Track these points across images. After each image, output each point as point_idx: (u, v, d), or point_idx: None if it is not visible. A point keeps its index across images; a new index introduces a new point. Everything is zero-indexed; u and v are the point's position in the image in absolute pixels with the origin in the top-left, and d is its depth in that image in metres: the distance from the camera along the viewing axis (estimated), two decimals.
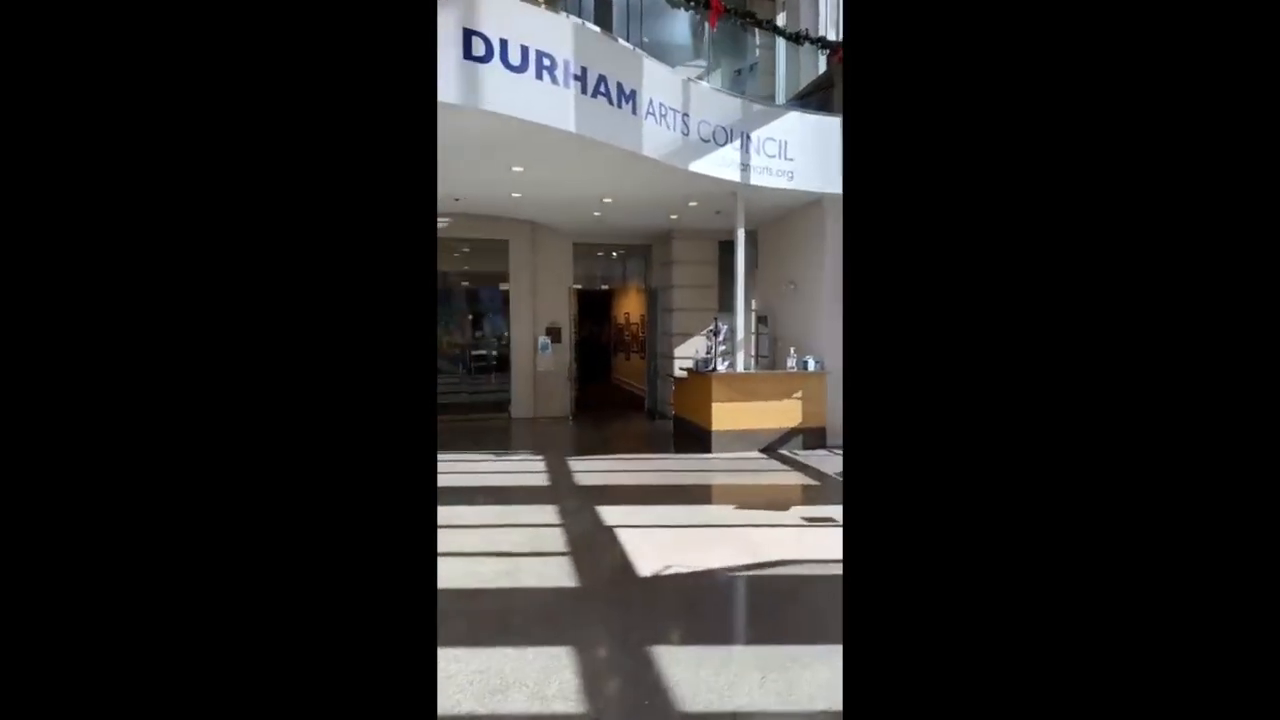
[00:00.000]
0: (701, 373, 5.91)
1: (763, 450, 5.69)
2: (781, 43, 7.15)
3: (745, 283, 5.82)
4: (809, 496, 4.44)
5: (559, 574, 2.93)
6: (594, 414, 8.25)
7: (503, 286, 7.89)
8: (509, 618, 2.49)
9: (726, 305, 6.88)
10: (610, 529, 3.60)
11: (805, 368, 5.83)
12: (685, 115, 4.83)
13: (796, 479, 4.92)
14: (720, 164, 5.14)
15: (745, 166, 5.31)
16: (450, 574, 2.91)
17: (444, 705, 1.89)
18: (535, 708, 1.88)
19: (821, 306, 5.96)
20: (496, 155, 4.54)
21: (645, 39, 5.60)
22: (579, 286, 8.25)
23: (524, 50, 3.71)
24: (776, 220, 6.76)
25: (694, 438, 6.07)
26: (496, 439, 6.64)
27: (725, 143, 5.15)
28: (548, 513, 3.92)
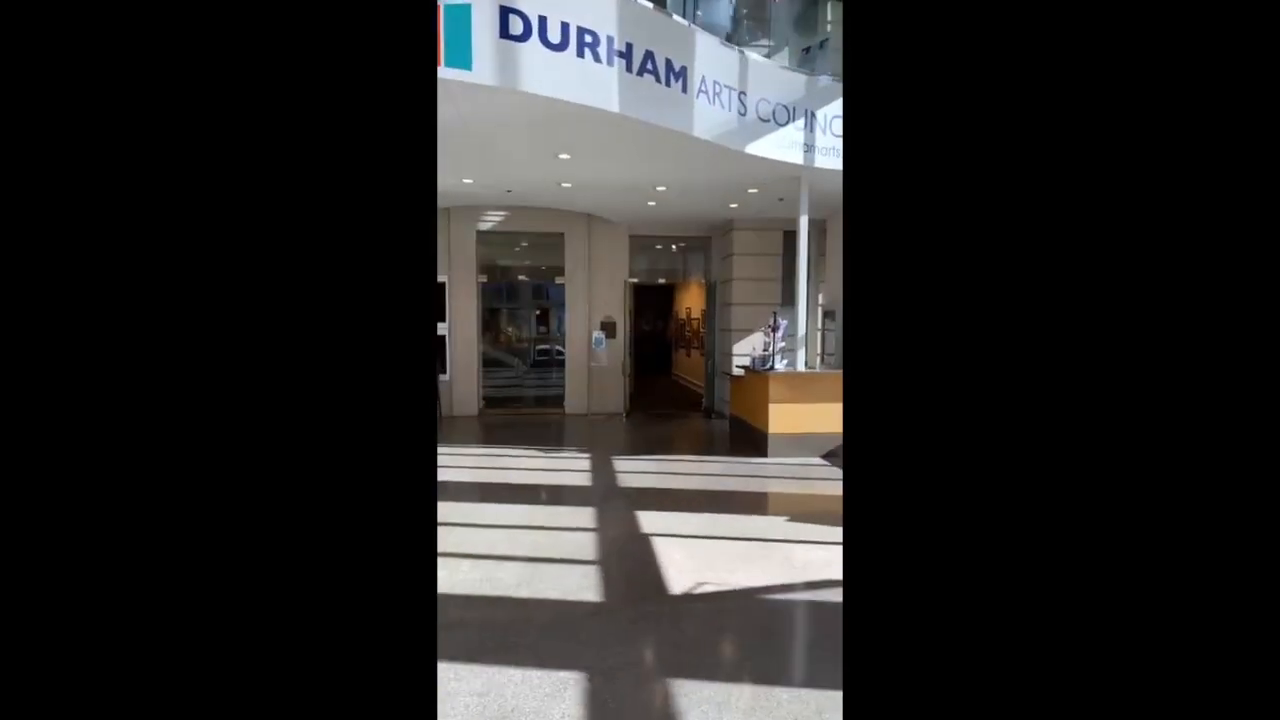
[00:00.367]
0: (758, 371, 5.53)
1: (824, 456, 5.25)
2: None
3: (809, 275, 5.39)
4: None
5: (582, 585, 2.72)
6: (649, 411, 8.03)
7: (558, 280, 7.80)
8: (521, 632, 2.30)
9: (791, 300, 6.45)
10: (646, 537, 3.35)
11: None
12: (742, 93, 4.48)
13: None
14: (781, 145, 4.75)
15: (809, 148, 4.89)
16: (468, 578, 2.76)
17: None
18: None
19: None
20: (541, 142, 4.38)
21: (702, 16, 5.27)
22: (635, 280, 8.03)
23: (564, 27, 3.50)
24: None
25: (750, 440, 5.71)
26: (545, 435, 6.55)
27: (787, 122, 4.75)
28: (583, 515, 3.73)
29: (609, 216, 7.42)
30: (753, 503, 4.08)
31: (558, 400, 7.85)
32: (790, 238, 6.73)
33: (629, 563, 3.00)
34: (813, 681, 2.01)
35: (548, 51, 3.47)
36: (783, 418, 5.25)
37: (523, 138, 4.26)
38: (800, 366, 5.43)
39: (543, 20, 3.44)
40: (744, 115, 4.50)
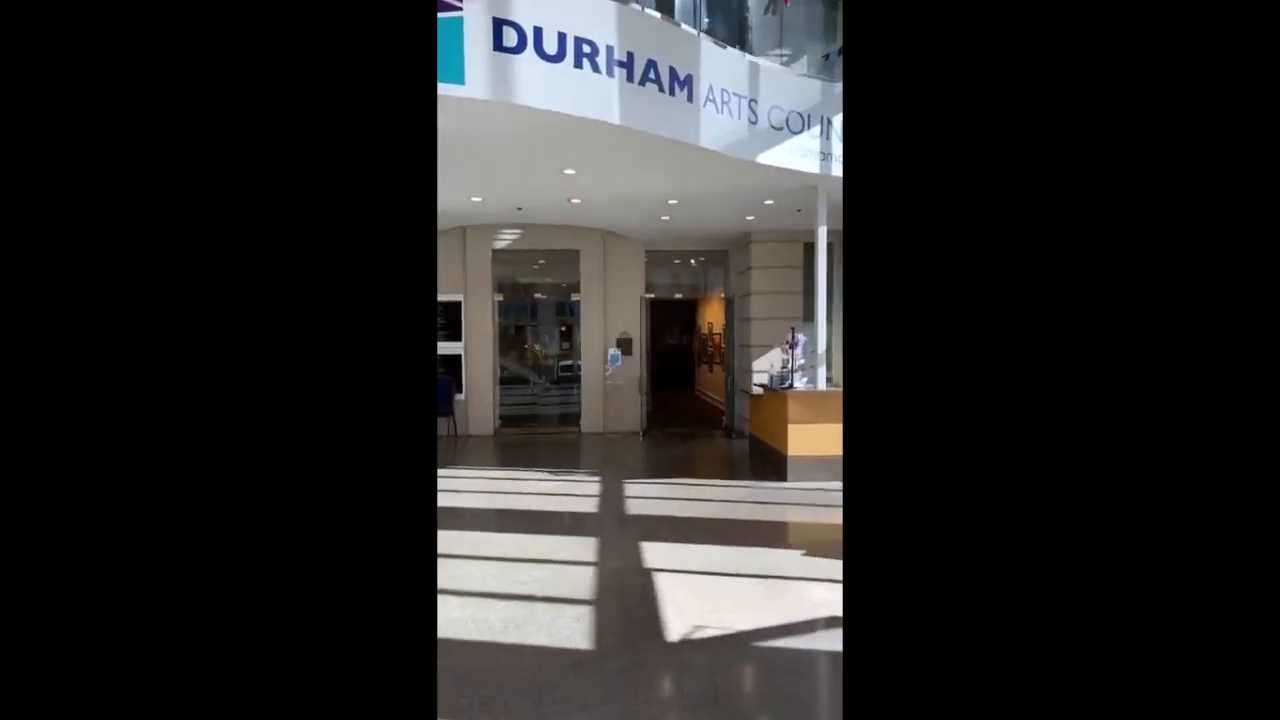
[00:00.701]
0: (776, 390, 5.27)
1: None
2: None
3: (829, 289, 5.13)
4: None
5: (572, 629, 2.51)
6: (668, 430, 7.80)
7: (574, 297, 7.69)
8: (498, 684, 2.10)
9: (812, 314, 6.17)
10: (648, 572, 3.13)
11: None
12: (752, 101, 4.30)
13: None
14: (795, 154, 4.53)
15: (826, 155, 4.66)
16: (454, 619, 2.58)
17: None
18: None
19: None
20: (543, 156, 4.26)
21: (714, 25, 5.11)
22: (651, 296, 7.86)
23: (561, 38, 3.38)
24: None
25: (769, 462, 5.44)
26: (557, 455, 6.39)
27: (801, 130, 4.54)
28: (584, 547, 3.53)
29: (623, 232, 7.29)
30: (768, 533, 3.81)
31: (575, 419, 7.70)
32: (811, 250, 6.47)
33: (628, 602, 2.79)
34: None
35: (544, 63, 3.35)
36: (802, 439, 4.97)
37: (524, 153, 4.15)
38: (821, 385, 5.15)
39: (538, 31, 3.33)
40: (755, 124, 4.31)
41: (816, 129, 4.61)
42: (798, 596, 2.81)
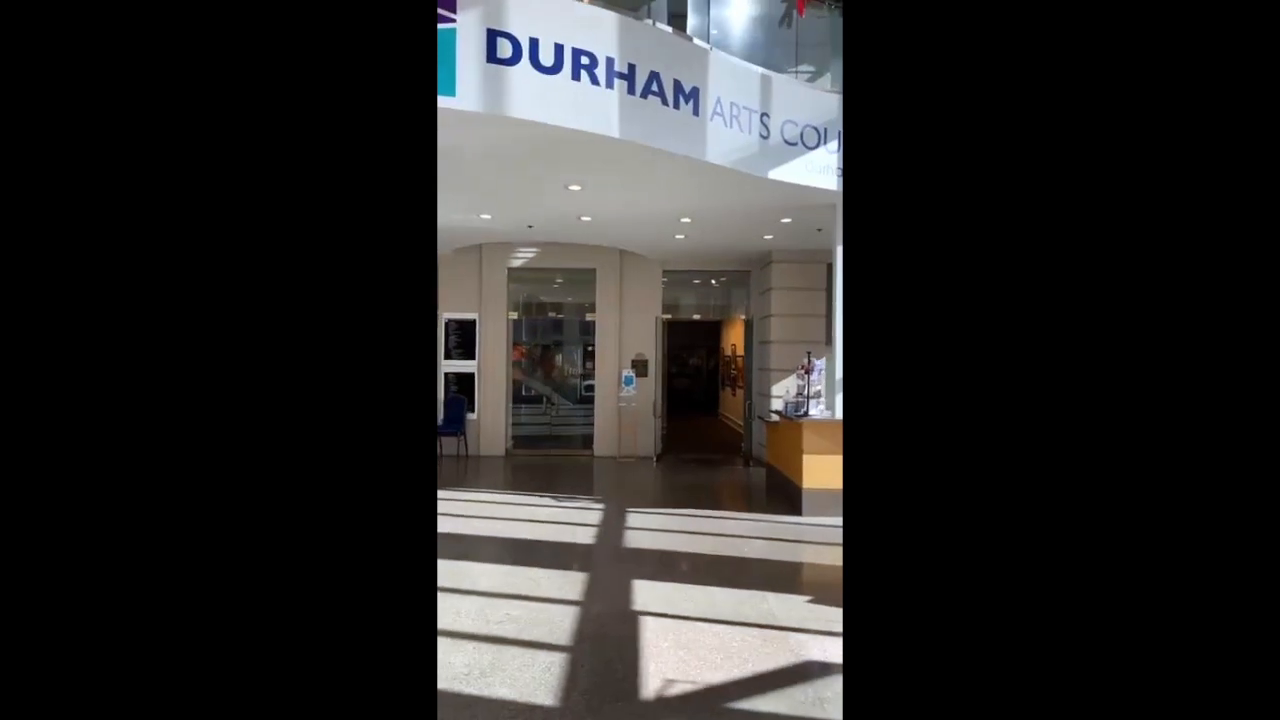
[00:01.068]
0: (792, 418, 4.98)
1: None
2: None
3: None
4: None
5: (539, 681, 2.28)
6: (683, 456, 7.52)
7: (589, 317, 7.55)
8: None
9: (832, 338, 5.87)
10: (635, 617, 2.88)
11: None
12: (764, 115, 4.11)
13: None
14: (811, 170, 4.32)
15: (843, 172, 4.42)
16: None
17: None
18: None
19: None
20: (545, 172, 4.15)
21: (726, 39, 4.97)
22: (669, 317, 7.67)
23: (558, 49, 3.27)
24: None
25: (784, 494, 5.13)
26: (564, 479, 6.19)
27: (817, 145, 4.33)
28: (571, 584, 3.30)
29: (639, 251, 7.14)
30: (773, 575, 3.51)
31: (588, 441, 7.50)
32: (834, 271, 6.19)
33: (606, 652, 2.54)
34: None
35: (539, 75, 3.24)
36: (818, 471, 4.66)
37: (524, 168, 4.05)
38: (839, 413, 4.84)
39: (534, 42, 3.22)
40: (766, 138, 4.12)
41: (834, 144, 4.39)
42: (793, 651, 2.52)
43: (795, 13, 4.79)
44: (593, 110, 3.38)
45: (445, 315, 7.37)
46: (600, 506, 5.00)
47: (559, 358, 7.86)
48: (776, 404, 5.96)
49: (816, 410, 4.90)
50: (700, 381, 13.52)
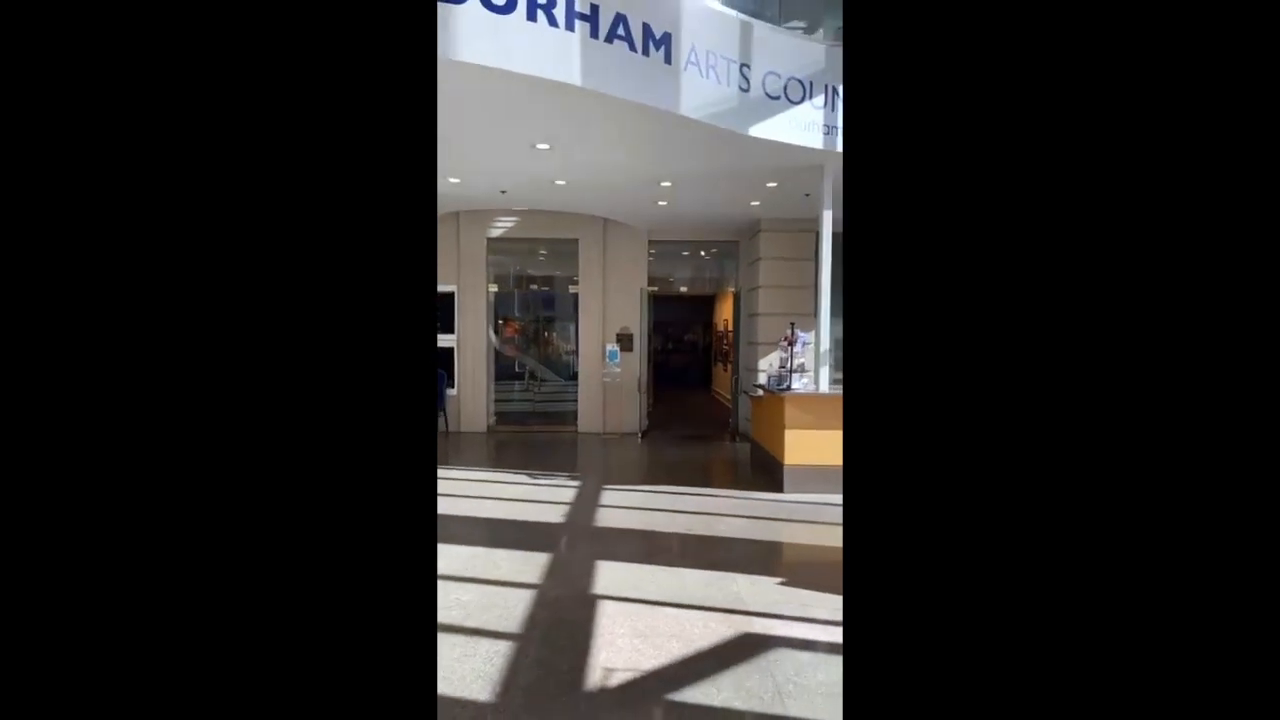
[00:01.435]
0: (774, 392, 4.77)
1: None
2: None
3: (833, 281, 4.59)
4: None
5: (478, 674, 2.11)
6: (671, 431, 7.34)
7: (571, 289, 7.30)
8: None
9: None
10: (593, 601, 2.71)
11: None
12: (744, 65, 3.81)
13: None
14: (796, 127, 4.03)
15: (831, 129, 4.14)
16: None
17: None
18: None
19: None
20: (505, 127, 3.86)
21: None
22: (655, 289, 7.41)
23: None
24: None
25: (767, 471, 4.95)
26: (543, 456, 6.01)
27: (802, 99, 4.03)
28: (532, 565, 3.12)
29: (623, 219, 6.86)
30: (746, 555, 3.34)
31: (573, 417, 7.31)
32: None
33: (558, 638, 2.37)
34: None
35: (490, 15, 2.94)
36: (801, 447, 4.47)
37: (482, 123, 3.76)
38: (824, 387, 4.63)
39: None
40: (746, 91, 3.82)
41: (820, 99, 4.09)
42: (756, 639, 2.34)
43: None
44: (552, 55, 3.09)
45: None
46: (576, 484, 4.82)
47: (552, 333, 7.64)
48: (762, 378, 5.74)
49: (799, 384, 4.68)
50: (695, 357, 13.32)
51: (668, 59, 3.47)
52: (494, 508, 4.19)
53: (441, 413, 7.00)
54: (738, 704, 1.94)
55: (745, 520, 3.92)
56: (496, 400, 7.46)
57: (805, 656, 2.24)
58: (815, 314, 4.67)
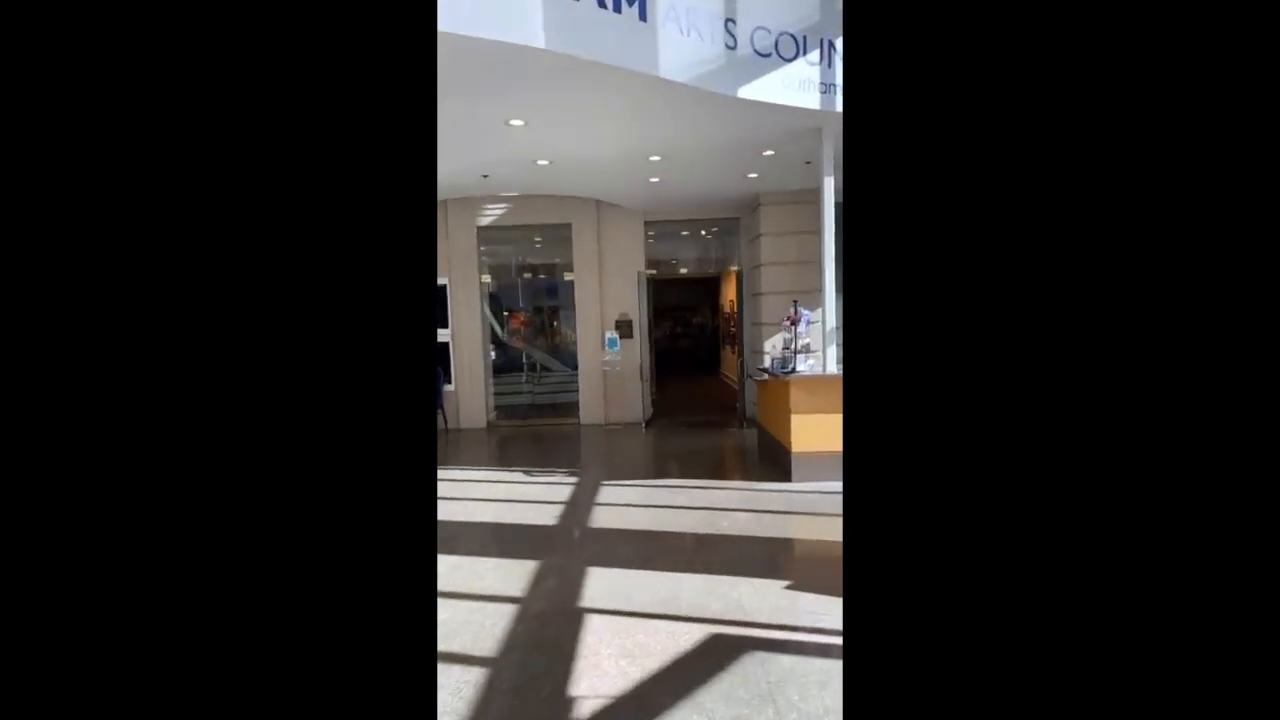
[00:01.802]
0: (778, 375, 4.48)
1: None
2: None
3: (837, 253, 4.27)
4: None
5: (447, 707, 1.88)
6: (675, 420, 7.08)
7: (567, 276, 7.02)
8: None
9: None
10: (580, 615, 2.47)
11: None
12: (729, 20, 3.47)
13: None
14: (789, 86, 3.69)
15: (828, 87, 3.79)
16: None
17: None
18: None
19: None
20: (473, 102, 3.57)
21: None
22: (653, 272, 7.11)
23: None
24: None
25: (775, 459, 4.68)
26: (542, 451, 5.79)
27: (795, 56, 3.69)
28: (519, 573, 2.90)
29: (616, 200, 6.55)
30: (750, 555, 3.08)
31: (575, 409, 7.07)
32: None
33: (535, 663, 2.14)
34: None
35: None
36: (808, 432, 4.18)
37: (445, 98, 3.47)
38: (831, 367, 4.33)
39: None
40: (733, 49, 3.49)
41: (815, 54, 3.74)
42: (758, 662, 2.09)
43: None
44: (508, 14, 2.79)
45: None
46: (574, 481, 4.59)
47: (559, 322, 7.39)
48: (767, 361, 5.44)
49: (805, 365, 4.39)
50: (703, 340, 13.02)
51: (643, 15, 3.15)
52: (485, 510, 3.98)
53: (440, 410, 6.81)
54: None
55: (750, 515, 3.66)
56: (496, 394, 7.25)
57: (812, 676, 1.98)
58: (820, 290, 4.35)
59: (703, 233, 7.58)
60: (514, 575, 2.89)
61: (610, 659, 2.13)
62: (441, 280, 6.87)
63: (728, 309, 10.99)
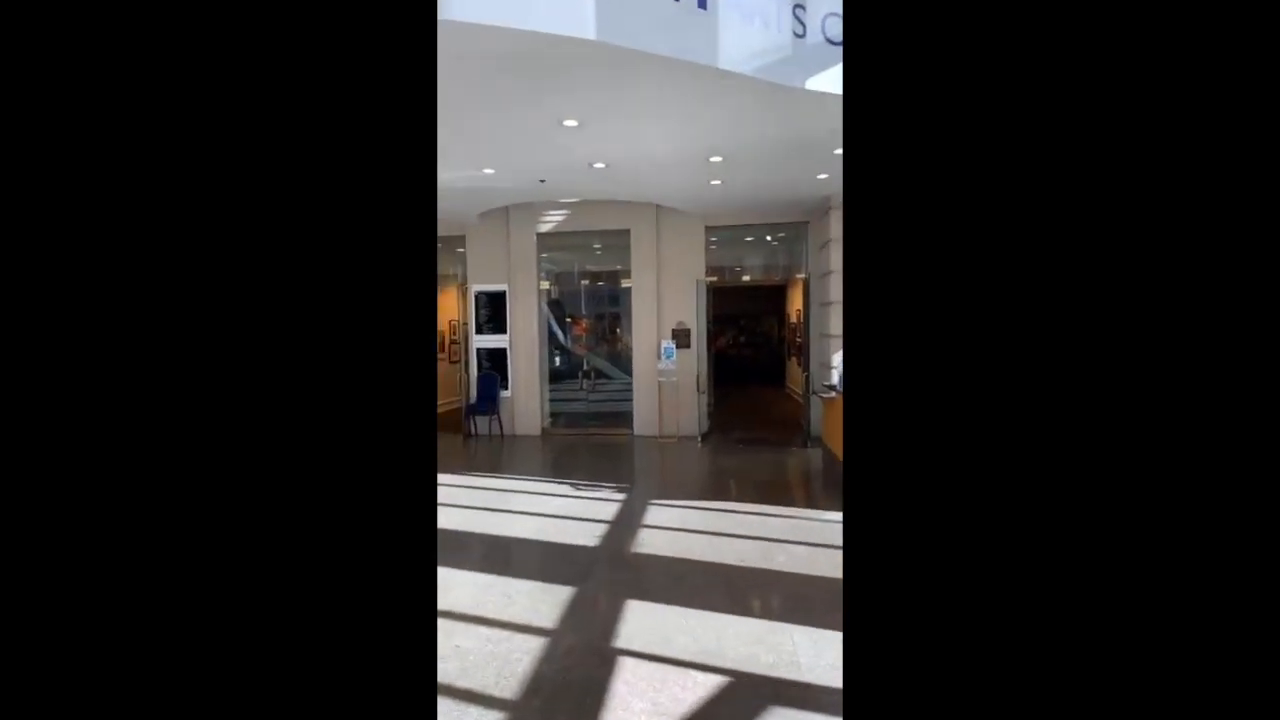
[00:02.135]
0: (844, 392, 4.08)
1: None
2: None
3: None
4: None
5: None
6: (733, 435, 6.73)
7: (625, 283, 6.85)
8: None
9: None
10: (613, 657, 2.24)
11: None
12: (798, 7, 3.18)
13: None
14: None
15: None
16: None
17: None
18: None
19: None
20: (523, 100, 3.44)
21: None
22: (713, 279, 6.82)
23: None
24: None
25: (840, 485, 4.27)
26: (592, 463, 5.61)
27: None
28: (550, 602, 2.70)
29: (675, 205, 6.32)
30: (808, 596, 2.75)
31: (630, 419, 6.87)
32: None
33: (561, 709, 1.92)
34: None
35: None
36: None
37: (498, 98, 3.36)
38: None
39: None
40: (802, 36, 3.19)
41: None
42: None
43: None
44: (558, 4, 2.62)
45: (474, 287, 6.94)
46: (621, 497, 4.37)
47: (620, 329, 7.26)
48: (834, 376, 5.02)
49: None
50: (768, 351, 12.54)
51: (701, 3, 2.91)
52: (525, 525, 3.82)
53: (495, 416, 6.80)
54: None
55: (809, 549, 3.31)
56: (552, 401, 7.17)
57: None
58: None
59: (768, 238, 7.21)
60: (547, 602, 2.69)
61: (641, 715, 1.88)
62: (500, 286, 6.87)
63: (794, 319, 10.50)
